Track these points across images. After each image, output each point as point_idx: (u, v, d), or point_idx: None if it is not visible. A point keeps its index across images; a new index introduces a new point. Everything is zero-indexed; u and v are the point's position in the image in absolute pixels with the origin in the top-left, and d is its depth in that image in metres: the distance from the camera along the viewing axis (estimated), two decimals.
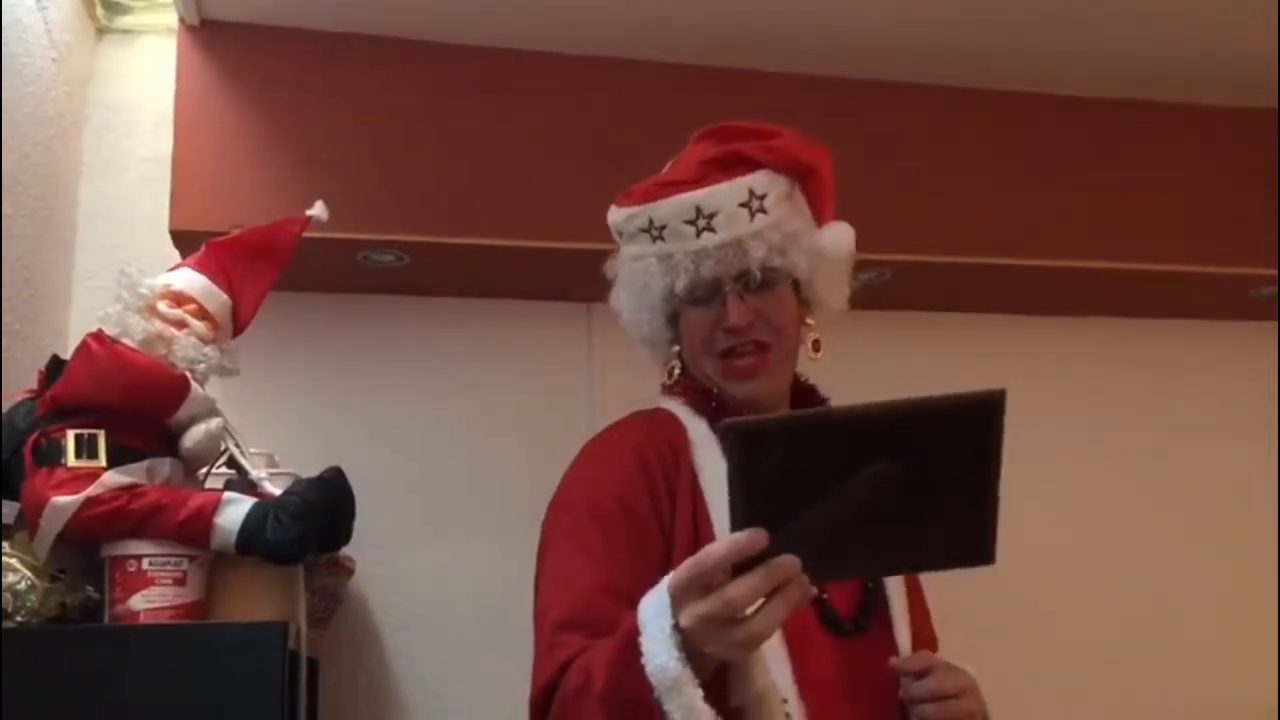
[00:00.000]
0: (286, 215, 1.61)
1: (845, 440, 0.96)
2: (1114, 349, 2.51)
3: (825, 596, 1.28)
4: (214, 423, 1.47)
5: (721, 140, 1.39)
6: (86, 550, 1.40)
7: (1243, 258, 2.29)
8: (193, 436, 1.45)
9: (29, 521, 1.36)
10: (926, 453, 0.96)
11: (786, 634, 1.18)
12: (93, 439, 1.38)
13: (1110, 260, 2.24)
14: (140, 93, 2.14)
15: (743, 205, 1.34)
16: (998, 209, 2.22)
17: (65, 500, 1.34)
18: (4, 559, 1.34)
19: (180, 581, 1.38)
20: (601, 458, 1.36)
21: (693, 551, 1.00)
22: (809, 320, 1.42)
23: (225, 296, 1.54)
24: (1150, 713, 2.31)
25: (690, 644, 1.00)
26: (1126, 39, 2.15)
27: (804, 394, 1.45)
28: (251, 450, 1.58)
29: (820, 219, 1.41)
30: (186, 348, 1.47)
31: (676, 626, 1.00)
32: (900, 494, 0.96)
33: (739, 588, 0.96)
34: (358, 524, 1.53)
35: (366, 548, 1.86)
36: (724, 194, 1.34)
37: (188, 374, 1.45)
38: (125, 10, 2.14)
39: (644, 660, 1.01)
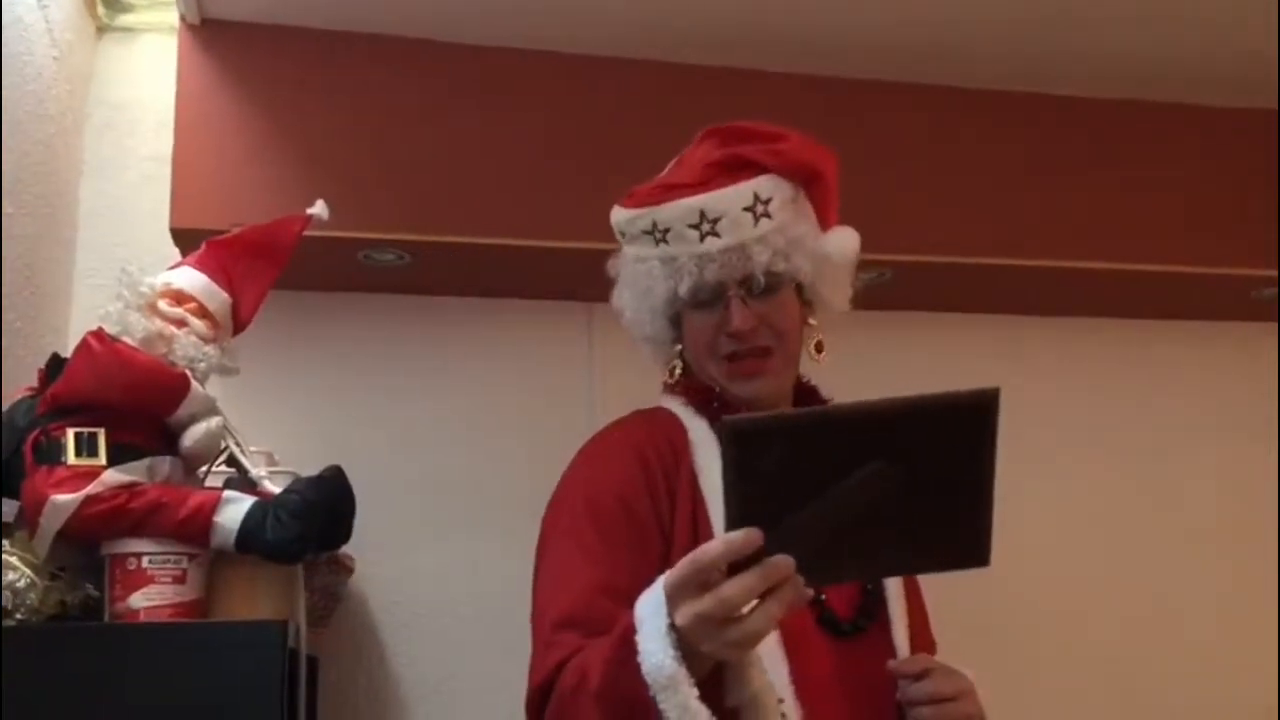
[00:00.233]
0: (287, 214, 1.60)
1: (840, 439, 0.96)
2: (1114, 349, 2.51)
3: (823, 598, 1.28)
4: (214, 421, 1.47)
5: (726, 142, 1.39)
6: (86, 548, 1.39)
7: (1243, 258, 2.29)
8: (193, 435, 1.45)
9: (29, 519, 1.36)
10: (921, 452, 0.96)
11: (784, 634, 1.18)
12: (93, 437, 1.37)
13: (1110, 260, 2.24)
14: (141, 91, 2.14)
15: (747, 210, 1.34)
16: (998, 209, 2.22)
17: (65, 498, 1.34)
18: (4, 557, 1.34)
19: (180, 580, 1.38)
20: (601, 457, 1.36)
21: (691, 551, 1.00)
22: (811, 322, 1.43)
23: (226, 295, 1.54)
24: (1150, 713, 2.31)
25: (686, 643, 1.00)
26: (1126, 39, 2.15)
27: (806, 395, 1.45)
28: (251, 449, 1.58)
29: (825, 223, 1.41)
30: (187, 346, 1.46)
31: (672, 625, 1.00)
32: (896, 494, 0.96)
33: (733, 587, 0.96)
34: (358, 523, 1.53)
35: (366, 546, 1.86)
36: (728, 198, 1.34)
37: (188, 372, 1.45)
38: (126, 8, 2.14)
39: (640, 658, 1.01)
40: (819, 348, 1.43)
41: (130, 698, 1.29)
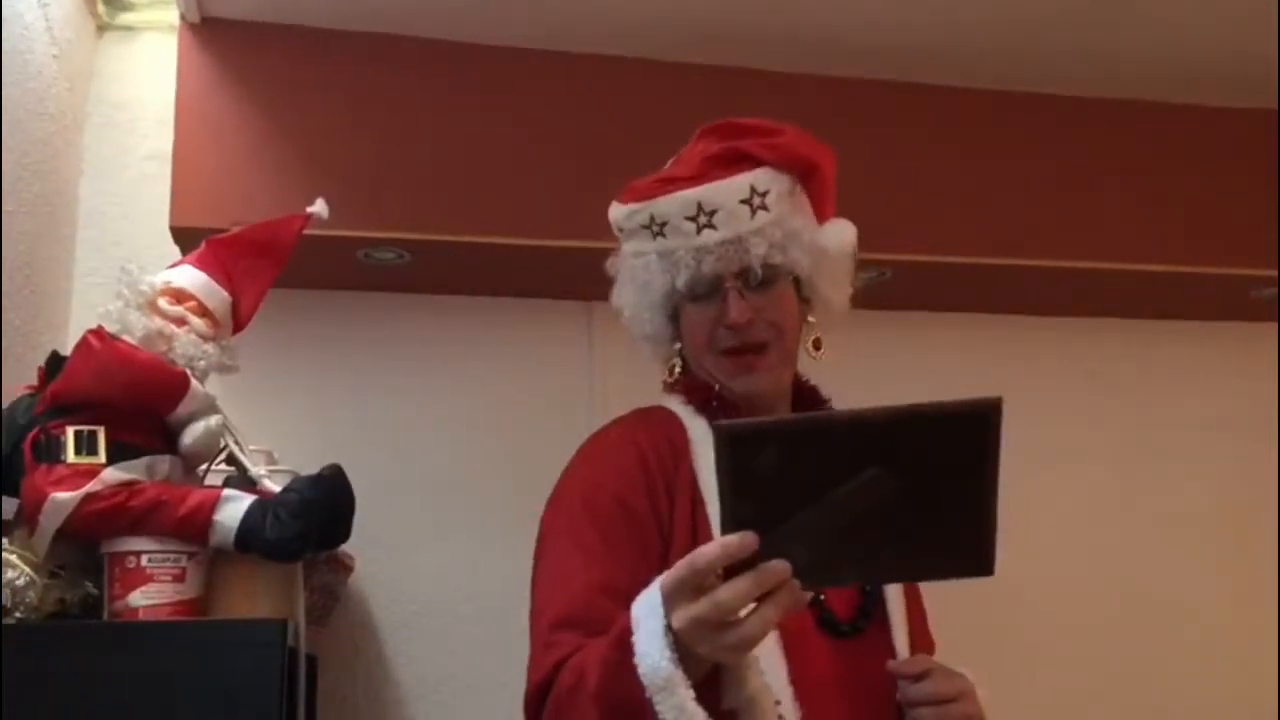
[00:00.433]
0: (287, 212, 1.61)
1: (838, 445, 0.95)
2: (1114, 349, 2.50)
3: (822, 598, 1.28)
4: (213, 420, 1.47)
5: (724, 137, 1.39)
6: (86, 546, 1.40)
7: (1243, 258, 2.29)
8: (192, 433, 1.45)
9: (28, 517, 1.37)
10: (921, 460, 0.95)
11: (783, 635, 1.18)
12: (92, 435, 1.38)
13: (1110, 260, 2.24)
14: (141, 90, 2.14)
15: (744, 202, 1.34)
16: (998, 209, 2.22)
17: (64, 496, 1.34)
18: (3, 555, 1.34)
19: (179, 578, 1.38)
20: (600, 456, 1.36)
21: (691, 551, 1.00)
22: (810, 319, 1.42)
23: (225, 293, 1.54)
24: (1150, 713, 2.31)
25: (682, 645, 1.00)
26: (1126, 39, 2.15)
27: (806, 394, 1.45)
28: (251, 447, 1.58)
29: (822, 217, 1.41)
30: (186, 345, 1.47)
31: (669, 627, 1.00)
32: (895, 501, 0.95)
33: (728, 591, 0.96)
34: (357, 521, 1.53)
35: (366, 545, 1.86)
36: (725, 191, 1.34)
37: (187, 371, 1.45)
38: (126, 7, 2.14)
39: (636, 660, 1.01)
40: (817, 345, 1.42)
41: (129, 696, 1.29)
